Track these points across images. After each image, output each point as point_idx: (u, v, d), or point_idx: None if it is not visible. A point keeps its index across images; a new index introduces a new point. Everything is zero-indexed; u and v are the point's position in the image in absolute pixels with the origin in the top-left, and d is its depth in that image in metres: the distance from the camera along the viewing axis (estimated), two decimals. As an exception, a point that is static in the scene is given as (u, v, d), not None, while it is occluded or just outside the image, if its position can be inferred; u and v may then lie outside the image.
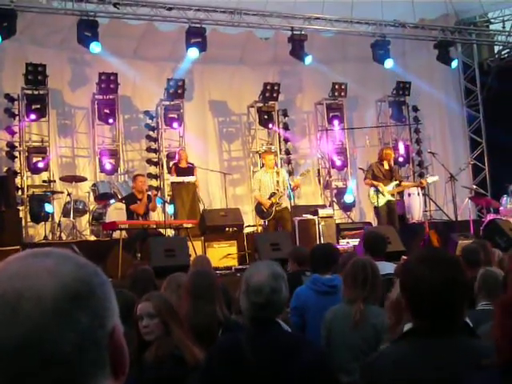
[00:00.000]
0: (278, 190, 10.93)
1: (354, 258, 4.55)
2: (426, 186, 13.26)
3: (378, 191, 11.59)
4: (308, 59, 13.53)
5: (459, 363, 2.02)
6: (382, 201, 11.55)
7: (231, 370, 2.72)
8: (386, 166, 11.91)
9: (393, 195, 11.78)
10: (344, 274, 4.25)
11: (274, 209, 10.90)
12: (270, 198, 10.95)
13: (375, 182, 11.67)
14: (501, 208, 12.70)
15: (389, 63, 14.05)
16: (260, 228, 13.29)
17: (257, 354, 2.69)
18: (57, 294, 0.96)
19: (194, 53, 12.83)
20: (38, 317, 0.94)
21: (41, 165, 12.63)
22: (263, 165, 11.25)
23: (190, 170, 12.31)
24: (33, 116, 12.77)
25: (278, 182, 10.99)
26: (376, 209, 11.79)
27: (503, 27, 15.62)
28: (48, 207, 11.99)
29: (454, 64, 14.76)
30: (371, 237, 6.05)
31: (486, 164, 15.86)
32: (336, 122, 15.23)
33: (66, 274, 0.99)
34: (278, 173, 11.16)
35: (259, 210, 11.18)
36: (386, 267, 4.71)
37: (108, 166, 13.48)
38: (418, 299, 2.16)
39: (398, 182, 11.92)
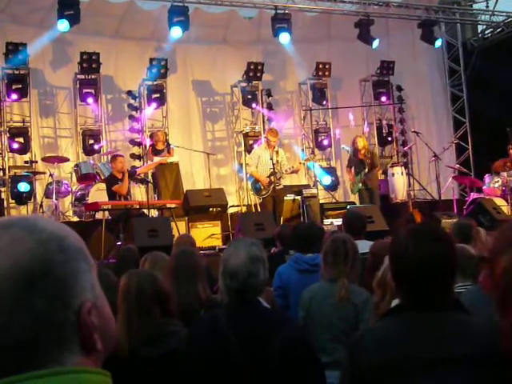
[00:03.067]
0: (278, 169, 10.87)
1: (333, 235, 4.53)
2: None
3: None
4: (283, 37, 13.42)
5: (444, 338, 2.01)
6: (355, 189, 12.15)
7: (209, 347, 2.72)
8: (361, 155, 11.97)
9: (364, 183, 11.92)
10: (323, 251, 4.16)
11: (271, 187, 10.84)
12: (269, 177, 10.87)
13: (349, 174, 12.30)
14: (484, 187, 12.78)
15: (375, 44, 14.02)
16: (244, 208, 13.29)
17: (236, 330, 2.69)
18: (9, 275, 0.93)
19: (177, 32, 12.70)
20: None
21: (15, 145, 12.53)
22: (268, 141, 11.09)
23: (167, 151, 12.27)
24: (14, 96, 12.64)
25: (277, 161, 10.93)
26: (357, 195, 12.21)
27: (487, 6, 15.59)
28: (22, 186, 11.87)
29: (438, 43, 14.76)
30: (349, 216, 6.05)
31: (470, 143, 15.93)
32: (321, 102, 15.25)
33: (20, 252, 0.95)
34: (277, 152, 11.10)
35: (256, 187, 11.10)
36: (366, 246, 4.69)
37: (91, 147, 13.38)
38: (401, 272, 2.15)
39: (367, 170, 12.03)
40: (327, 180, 14.51)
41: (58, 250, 0.99)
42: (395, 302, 2.25)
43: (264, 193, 10.91)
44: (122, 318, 3.08)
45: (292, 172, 11.28)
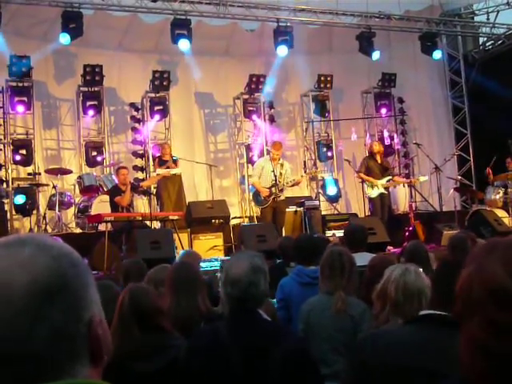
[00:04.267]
0: (279, 181, 10.91)
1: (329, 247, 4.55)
2: (418, 184, 13.27)
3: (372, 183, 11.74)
4: (281, 50, 13.51)
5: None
6: (375, 192, 11.72)
7: (210, 359, 2.74)
8: (378, 159, 11.95)
9: (386, 188, 11.83)
10: (321, 264, 4.19)
11: (271, 198, 10.88)
12: (269, 188, 10.92)
13: (365, 177, 11.81)
14: (485, 199, 12.81)
15: (376, 55, 14.06)
16: (247, 219, 13.31)
17: (235, 342, 2.71)
18: (29, 291, 0.97)
19: (184, 45, 12.79)
20: (8, 315, 0.95)
21: (18, 157, 12.58)
22: (268, 154, 11.21)
23: (172, 162, 12.34)
24: (21, 108, 12.68)
25: (280, 173, 10.97)
26: (371, 200, 11.94)
27: (487, 19, 15.67)
28: (18, 199, 11.89)
29: (437, 55, 14.69)
30: (350, 229, 6.06)
31: (471, 155, 15.94)
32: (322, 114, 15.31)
33: (39, 268, 0.99)
34: (282, 165, 11.15)
35: (257, 198, 11.13)
36: (367, 258, 4.70)
37: (94, 159, 13.44)
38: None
39: (391, 177, 11.97)
40: (333, 190, 14.54)
41: (71, 265, 1.03)
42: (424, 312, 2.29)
43: (264, 203, 10.95)
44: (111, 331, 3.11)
45: (293, 185, 11.32)
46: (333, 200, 14.78)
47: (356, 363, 2.21)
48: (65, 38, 11.92)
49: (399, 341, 2.16)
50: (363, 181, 12.20)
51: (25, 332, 0.96)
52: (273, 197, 10.86)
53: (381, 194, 11.74)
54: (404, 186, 13.46)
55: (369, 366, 2.12)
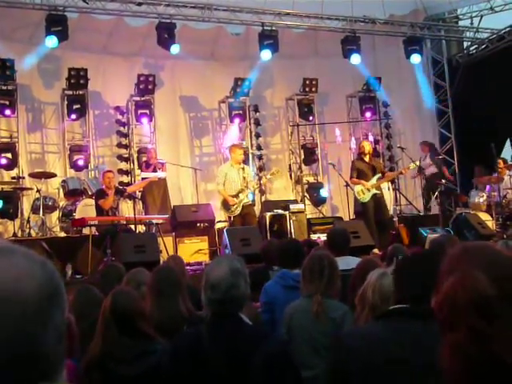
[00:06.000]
0: (245, 186, 10.92)
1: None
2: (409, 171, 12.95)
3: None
4: (265, 54, 13.53)
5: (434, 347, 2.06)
6: (368, 196, 11.20)
7: (191, 363, 2.75)
8: (367, 159, 11.51)
9: (377, 188, 11.33)
10: (302, 268, 4.23)
11: (241, 205, 10.89)
12: (237, 195, 10.91)
13: (357, 181, 11.33)
14: (469, 202, 12.90)
15: (355, 59, 14.02)
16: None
17: (217, 346, 2.72)
18: (37, 296, 1.01)
19: (175, 49, 12.83)
20: (25, 320, 0.99)
21: (3, 161, 12.49)
22: (234, 158, 11.21)
23: (159, 166, 12.34)
24: (8, 111, 12.60)
25: (244, 178, 10.97)
26: (363, 205, 11.36)
27: (471, 23, 15.80)
28: None
29: (415, 59, 14.66)
30: (331, 233, 6.08)
31: (455, 158, 16.03)
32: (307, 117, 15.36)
33: (40, 275, 1.04)
34: (243, 169, 11.14)
35: (225, 206, 11.12)
36: (350, 262, 4.72)
37: (78, 162, 13.38)
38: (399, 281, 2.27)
39: (381, 174, 11.52)
40: (326, 193, 14.66)
41: (53, 270, 1.08)
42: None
43: (232, 210, 10.94)
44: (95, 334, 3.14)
45: (259, 187, 11.43)
46: (318, 203, 14.82)
47: (333, 365, 2.23)
48: (52, 41, 11.82)
49: (374, 336, 2.19)
50: (347, 185, 12.05)
51: (41, 333, 1.00)
52: (241, 204, 10.89)
53: (374, 196, 11.20)
54: (389, 189, 13.47)
55: (347, 365, 2.14)
